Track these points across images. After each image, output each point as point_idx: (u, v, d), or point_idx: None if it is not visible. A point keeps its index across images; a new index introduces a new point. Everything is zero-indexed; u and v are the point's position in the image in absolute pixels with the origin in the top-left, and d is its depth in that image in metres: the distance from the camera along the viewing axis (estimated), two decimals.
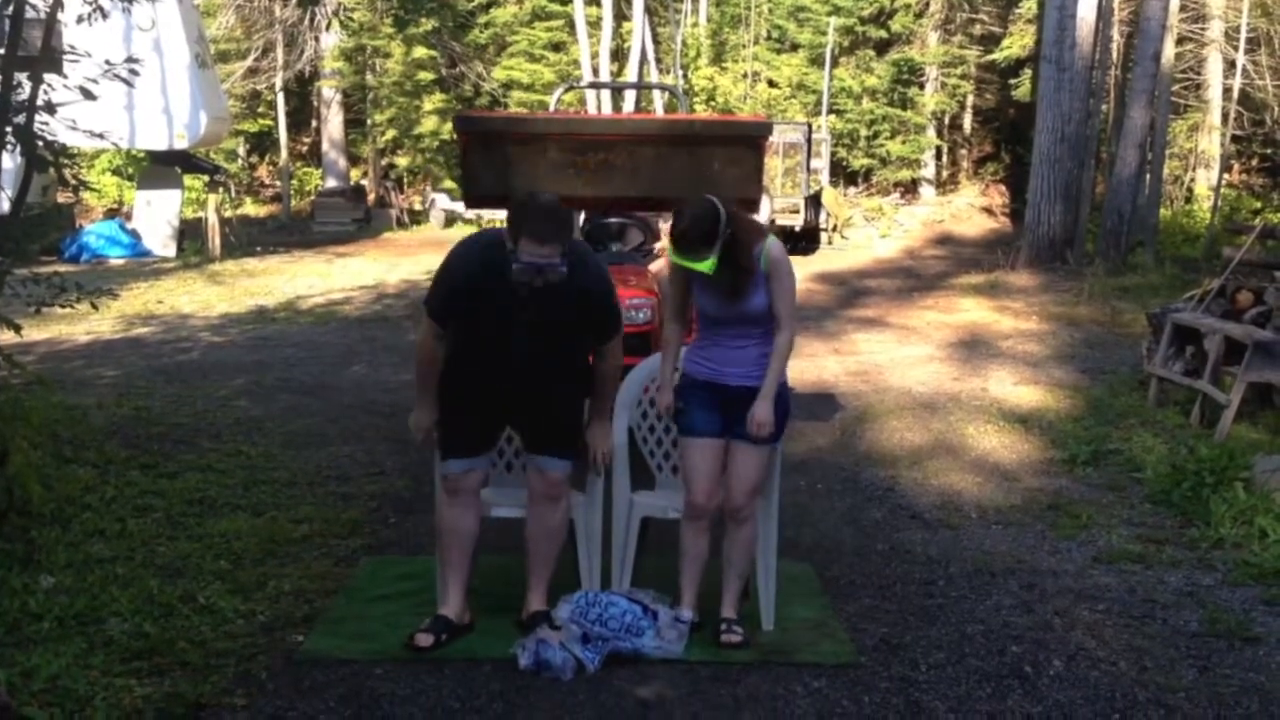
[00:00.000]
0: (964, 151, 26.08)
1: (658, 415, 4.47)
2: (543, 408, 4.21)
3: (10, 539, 4.83)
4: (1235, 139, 21.13)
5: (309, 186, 25.77)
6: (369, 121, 25.19)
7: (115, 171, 22.66)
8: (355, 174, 25.98)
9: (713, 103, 24.82)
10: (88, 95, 5.47)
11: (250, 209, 24.62)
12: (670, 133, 5.60)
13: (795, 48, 25.87)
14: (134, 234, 16.96)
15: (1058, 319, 12.04)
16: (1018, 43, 22.92)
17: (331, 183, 24.34)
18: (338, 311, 12.46)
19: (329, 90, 24.60)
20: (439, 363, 4.17)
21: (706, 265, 3.97)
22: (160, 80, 15.88)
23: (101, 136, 6.62)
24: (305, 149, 27.57)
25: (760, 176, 5.53)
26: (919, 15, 24.51)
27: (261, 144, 27.01)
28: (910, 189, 24.88)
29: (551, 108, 8.65)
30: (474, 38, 25.27)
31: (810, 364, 9.72)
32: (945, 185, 25.29)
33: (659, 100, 22.87)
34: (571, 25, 23.80)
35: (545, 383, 4.16)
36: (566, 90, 9.13)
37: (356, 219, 22.24)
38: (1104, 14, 16.73)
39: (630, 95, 22.24)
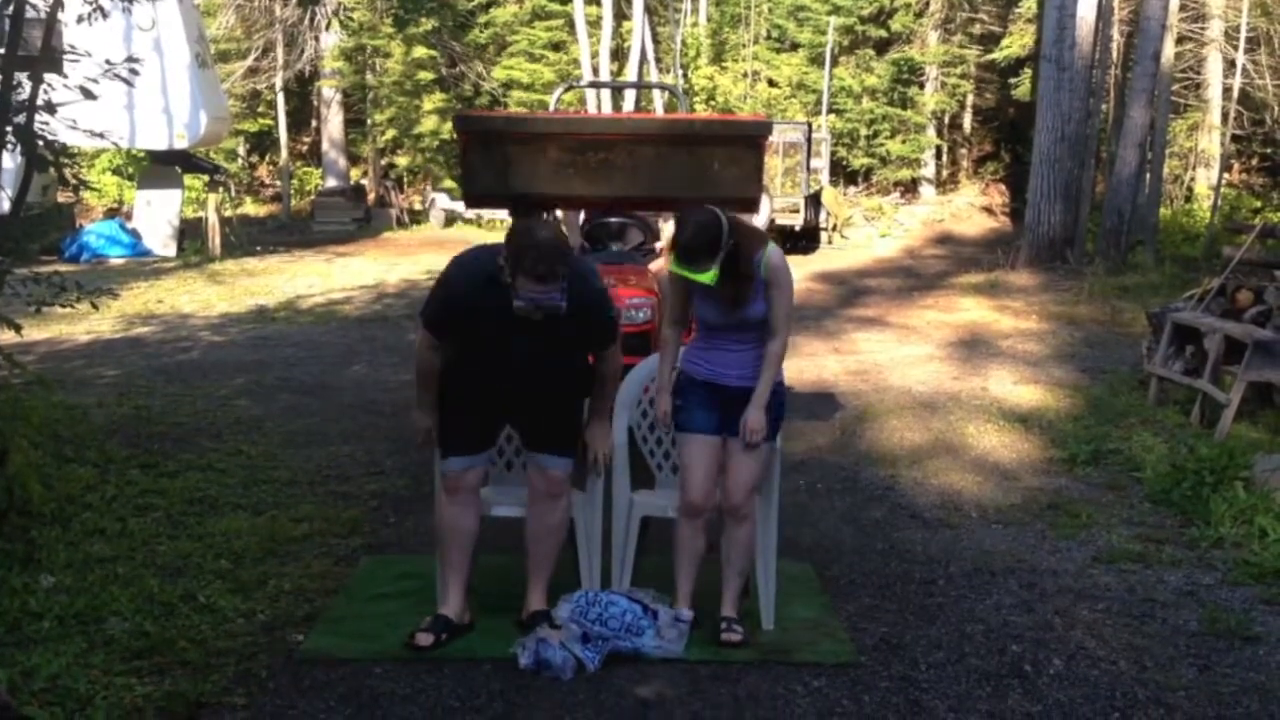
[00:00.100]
0: (964, 151, 26.09)
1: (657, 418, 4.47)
2: (542, 406, 4.22)
3: (10, 538, 4.83)
4: (1235, 138, 21.13)
5: (309, 186, 25.77)
6: (369, 121, 25.19)
7: (115, 171, 22.66)
8: (355, 174, 25.99)
9: (713, 102, 24.83)
10: (88, 95, 5.48)
11: (250, 208, 24.63)
12: (670, 132, 5.60)
13: (795, 47, 25.88)
14: (134, 233, 16.96)
15: (1058, 318, 12.04)
16: (1017, 42, 22.93)
17: (331, 182, 24.34)
18: (338, 311, 12.46)
19: (329, 90, 24.61)
20: (437, 370, 4.19)
21: (708, 277, 3.96)
22: (160, 80, 15.88)
23: (102, 136, 6.62)
24: (305, 149, 27.57)
25: (760, 176, 5.53)
26: (919, 15, 24.52)
27: (261, 144, 27.02)
28: (910, 188, 24.89)
29: (551, 107, 8.65)
30: (474, 37, 25.27)
31: (810, 363, 9.73)
32: (945, 185, 25.30)
33: (659, 100, 22.87)
34: (571, 25, 23.80)
35: (545, 382, 4.17)
36: (566, 90, 9.14)
37: (356, 219, 22.24)
38: (1104, 13, 16.72)
39: (630, 95, 22.24)
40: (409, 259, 17.11)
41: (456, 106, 23.02)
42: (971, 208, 24.22)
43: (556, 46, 25.05)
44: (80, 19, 6.33)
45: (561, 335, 4.05)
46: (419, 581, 4.55)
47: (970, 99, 25.41)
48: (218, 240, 16.92)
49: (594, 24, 23.03)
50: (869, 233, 22.24)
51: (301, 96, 26.61)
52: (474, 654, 4.02)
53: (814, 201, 20.21)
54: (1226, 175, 21.41)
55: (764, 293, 4.07)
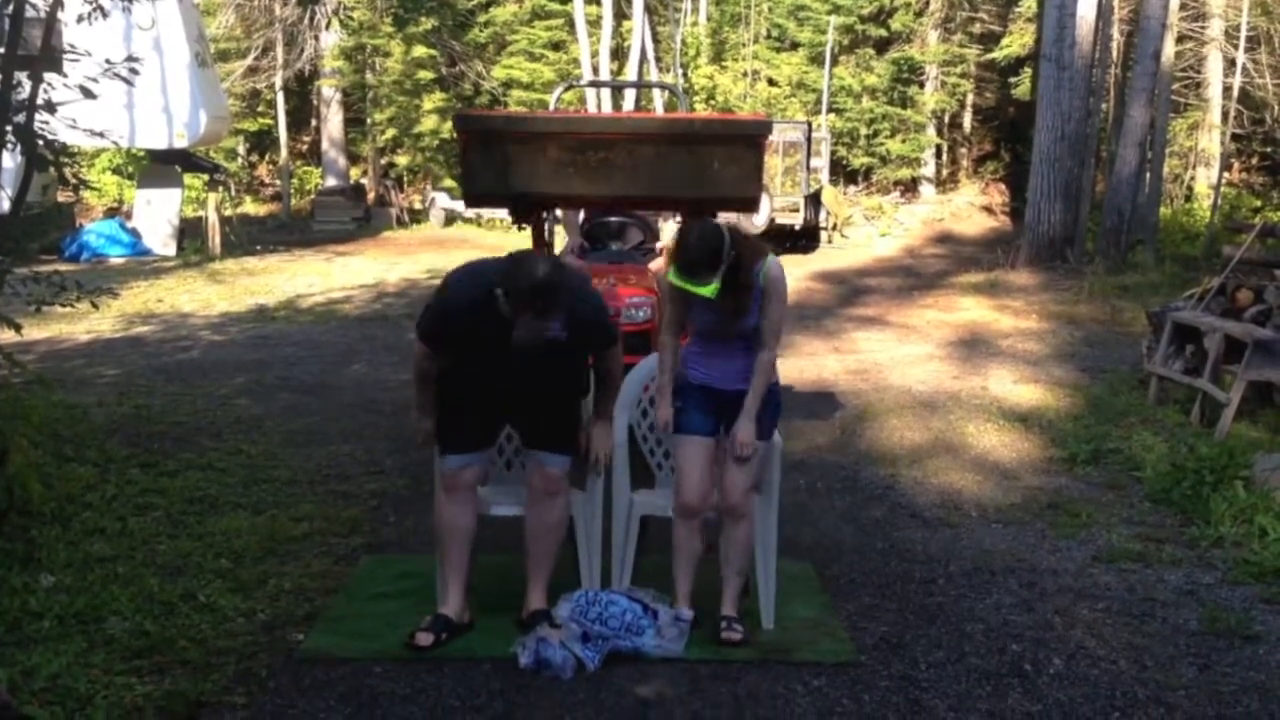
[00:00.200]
0: (964, 150, 26.09)
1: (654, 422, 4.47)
2: (541, 405, 4.23)
3: (10, 538, 4.83)
4: (1235, 137, 21.12)
5: (309, 185, 25.77)
6: (369, 120, 25.19)
7: (115, 170, 22.66)
8: (355, 173, 25.99)
9: (712, 101, 24.82)
10: (88, 94, 5.48)
11: (250, 208, 24.63)
12: (670, 131, 5.59)
13: (795, 46, 25.89)
14: (134, 233, 16.95)
15: (1058, 317, 12.04)
16: (1017, 41, 22.93)
17: (331, 182, 24.34)
18: (338, 310, 12.46)
19: (329, 89, 24.60)
20: (434, 375, 4.22)
21: (710, 290, 3.96)
22: (160, 79, 15.87)
23: (101, 135, 6.63)
24: (305, 148, 27.57)
25: (760, 175, 5.52)
26: (919, 14, 24.52)
27: (261, 143, 27.01)
28: (910, 188, 24.89)
29: (551, 106, 8.64)
30: (474, 36, 25.27)
31: (810, 362, 9.73)
32: (945, 184, 25.30)
33: (659, 99, 22.87)
34: (571, 24, 23.81)
35: (544, 382, 4.18)
36: (566, 89, 9.14)
37: (356, 218, 22.24)
38: (1104, 12, 16.72)
39: (630, 94, 22.24)
40: (409, 258, 17.12)
41: (456, 106, 23.02)
42: (971, 207, 24.22)
43: (556, 46, 25.05)
44: (80, 18, 6.34)
45: (561, 346, 4.07)
46: (419, 581, 4.55)
47: (970, 98, 25.41)
48: (218, 239, 16.92)
49: (594, 23, 23.03)
50: (869, 232, 22.24)
51: (301, 96, 26.60)
52: (474, 653, 4.02)
53: (814, 201, 20.20)
54: (1226, 174, 21.41)
55: (760, 302, 4.08)
